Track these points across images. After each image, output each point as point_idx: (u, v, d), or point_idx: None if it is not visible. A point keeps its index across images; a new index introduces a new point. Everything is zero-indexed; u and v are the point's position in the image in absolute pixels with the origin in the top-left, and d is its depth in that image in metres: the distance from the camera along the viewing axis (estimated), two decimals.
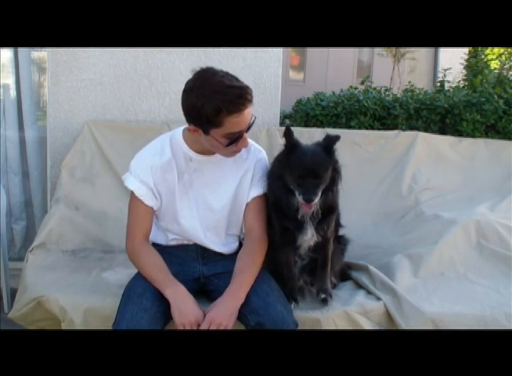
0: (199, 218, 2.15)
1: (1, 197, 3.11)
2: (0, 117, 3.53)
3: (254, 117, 1.99)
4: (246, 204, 2.17)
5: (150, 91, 3.43)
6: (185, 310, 1.90)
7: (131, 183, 2.08)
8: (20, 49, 3.49)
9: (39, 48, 3.56)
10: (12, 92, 3.55)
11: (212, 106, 1.89)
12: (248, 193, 2.16)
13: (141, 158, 2.12)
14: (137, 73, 3.41)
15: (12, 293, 2.75)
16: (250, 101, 1.93)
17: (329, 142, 2.12)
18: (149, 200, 2.09)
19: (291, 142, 2.12)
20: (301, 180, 2.06)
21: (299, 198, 2.06)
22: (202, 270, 2.21)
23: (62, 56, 3.33)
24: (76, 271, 2.57)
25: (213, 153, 2.10)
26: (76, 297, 2.23)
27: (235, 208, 2.18)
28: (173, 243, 2.21)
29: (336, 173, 2.15)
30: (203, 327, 1.88)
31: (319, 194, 2.06)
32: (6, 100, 3.54)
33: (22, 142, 3.61)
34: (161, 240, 2.23)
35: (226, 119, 1.90)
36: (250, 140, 2.11)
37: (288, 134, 2.11)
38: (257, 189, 2.17)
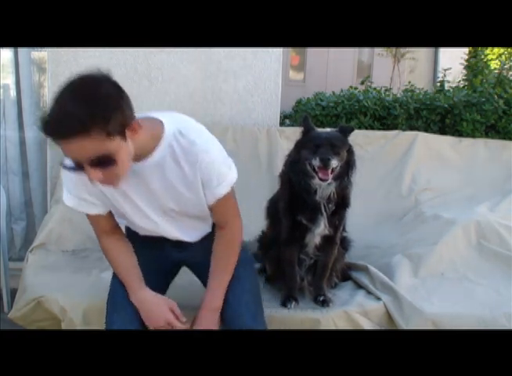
0: (153, 220, 1.92)
1: (1, 197, 3.11)
2: (0, 117, 3.53)
3: (108, 153, 1.55)
4: (210, 207, 1.92)
5: (150, 91, 3.43)
6: (153, 316, 1.89)
7: (67, 199, 1.87)
8: (20, 49, 3.48)
9: (39, 48, 3.56)
10: (12, 92, 3.55)
11: None
12: (206, 198, 1.87)
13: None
14: (137, 73, 3.41)
15: (12, 293, 2.74)
16: (66, 136, 1.47)
17: (344, 130, 2.29)
18: (92, 210, 1.90)
19: (308, 127, 2.27)
20: (317, 148, 2.17)
21: (315, 163, 2.16)
22: (179, 257, 2.10)
23: (62, 56, 3.33)
24: (76, 271, 2.57)
25: (140, 160, 1.77)
26: (76, 297, 2.23)
27: (191, 208, 1.90)
28: (143, 233, 2.04)
29: (351, 158, 2.26)
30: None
31: (336, 162, 2.17)
32: (6, 100, 3.54)
33: (22, 142, 3.60)
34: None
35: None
36: (195, 140, 1.78)
37: (305, 120, 2.28)
38: (214, 192, 1.86)
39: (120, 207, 1.88)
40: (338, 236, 2.38)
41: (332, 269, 2.46)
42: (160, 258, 2.06)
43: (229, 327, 1.93)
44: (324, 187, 2.22)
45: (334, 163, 2.16)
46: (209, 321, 1.91)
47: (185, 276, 2.60)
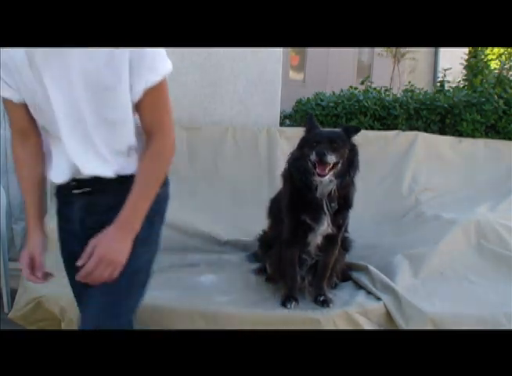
0: (61, 117, 1.60)
1: (1, 197, 3.11)
2: (0, 117, 3.52)
3: None
4: (136, 104, 1.60)
5: None
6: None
7: None
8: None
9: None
10: None
11: None
12: (132, 88, 1.58)
13: None
14: None
15: (12, 293, 2.74)
16: None
17: (348, 129, 2.30)
18: (5, 92, 1.63)
19: (311, 126, 2.31)
20: (316, 144, 2.20)
21: (312, 158, 2.18)
22: (85, 222, 1.69)
23: None
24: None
25: None
26: None
27: (110, 111, 1.59)
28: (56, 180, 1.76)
29: (353, 157, 2.26)
30: (90, 265, 1.48)
31: (333, 157, 2.18)
32: None
33: None
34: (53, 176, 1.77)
35: None
36: None
37: (310, 119, 2.34)
38: (144, 78, 1.60)
39: (31, 97, 1.59)
40: (340, 237, 2.38)
41: (332, 269, 2.47)
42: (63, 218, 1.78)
43: (83, 324, 1.71)
44: (324, 184, 2.23)
45: (331, 158, 2.17)
46: (120, 237, 1.52)
47: (189, 277, 2.61)
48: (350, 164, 2.25)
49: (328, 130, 2.40)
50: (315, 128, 2.30)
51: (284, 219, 2.33)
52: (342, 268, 2.59)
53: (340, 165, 2.22)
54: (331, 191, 2.25)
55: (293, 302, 2.29)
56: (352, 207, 2.37)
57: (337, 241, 2.37)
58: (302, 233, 2.30)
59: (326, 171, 2.18)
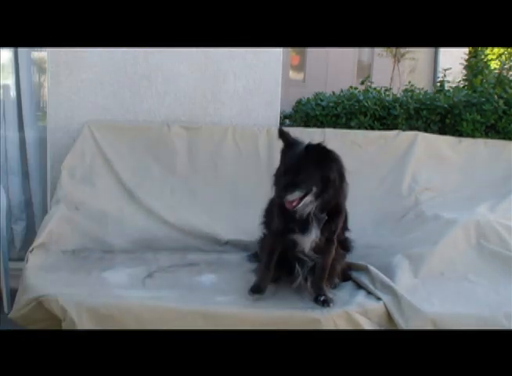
0: None
1: (1, 197, 3.11)
2: (0, 117, 3.53)
3: None
4: None
5: (150, 91, 3.43)
6: None
7: None
8: (20, 49, 3.49)
9: (39, 49, 3.56)
10: (12, 92, 3.55)
11: None
12: None
13: None
14: (137, 73, 3.41)
15: (12, 293, 2.74)
16: None
17: (311, 151, 2.15)
18: None
19: (286, 142, 2.26)
20: (277, 179, 2.19)
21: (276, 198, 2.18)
22: None
23: (62, 56, 3.33)
24: (76, 271, 2.57)
25: None
26: (76, 297, 2.23)
27: None
28: None
29: (334, 175, 2.19)
30: None
31: (297, 193, 2.13)
32: (6, 100, 3.54)
33: (22, 142, 3.60)
34: None
35: None
36: None
37: (281, 135, 2.27)
38: None
39: None
40: (335, 238, 2.37)
41: (332, 269, 2.47)
42: None
43: None
44: (302, 208, 2.21)
45: (294, 196, 2.13)
46: None
47: (189, 277, 2.61)
48: (328, 184, 2.18)
49: (294, 155, 2.20)
50: (289, 144, 2.24)
51: (275, 217, 2.33)
52: (342, 268, 2.58)
53: (313, 191, 2.17)
54: (311, 211, 2.21)
55: (257, 295, 2.29)
56: (343, 212, 2.35)
57: (333, 242, 2.36)
58: (291, 236, 2.29)
59: (294, 204, 2.15)
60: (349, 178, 3.12)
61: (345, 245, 2.57)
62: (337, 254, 2.44)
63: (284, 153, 2.26)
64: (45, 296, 2.22)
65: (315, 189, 2.16)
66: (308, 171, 2.14)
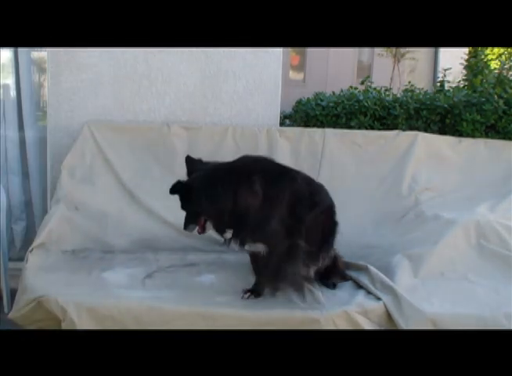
0: None
1: (1, 197, 3.11)
2: (0, 117, 3.52)
3: None
4: None
5: (150, 91, 3.43)
6: None
7: None
8: (20, 49, 3.49)
9: (39, 48, 3.56)
10: (12, 92, 3.55)
11: None
12: None
13: None
14: (137, 73, 3.41)
15: (12, 293, 2.74)
16: None
17: (177, 191, 2.32)
18: None
19: (188, 171, 2.42)
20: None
21: None
22: None
23: (62, 56, 3.33)
24: (76, 271, 2.57)
25: None
26: (76, 297, 2.23)
27: None
28: None
29: (201, 208, 2.29)
30: None
31: (191, 227, 2.34)
32: (6, 100, 3.54)
33: (22, 142, 3.60)
34: None
35: None
36: None
37: (188, 162, 2.44)
38: None
39: None
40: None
41: (333, 270, 2.54)
42: None
43: None
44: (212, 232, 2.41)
45: (190, 229, 2.36)
46: None
47: (189, 277, 2.61)
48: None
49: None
50: (191, 171, 2.41)
51: None
52: (342, 268, 2.60)
53: (203, 218, 2.33)
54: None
55: (249, 294, 2.38)
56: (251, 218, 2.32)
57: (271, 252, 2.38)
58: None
59: (200, 232, 2.37)
60: (349, 177, 3.13)
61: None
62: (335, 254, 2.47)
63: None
64: (44, 296, 2.22)
65: (203, 218, 2.33)
66: (187, 208, 2.34)
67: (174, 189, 2.30)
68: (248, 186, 2.26)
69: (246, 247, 2.38)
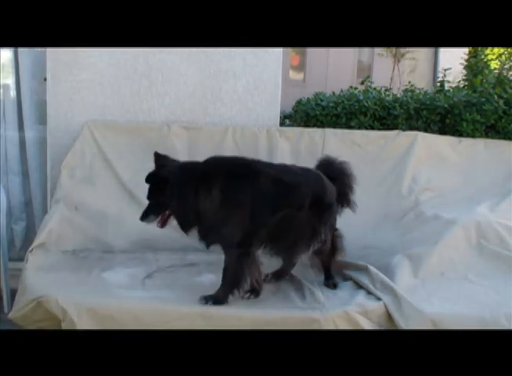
0: None
1: (1, 197, 3.11)
2: (0, 117, 3.52)
3: None
4: None
5: (150, 91, 3.43)
6: None
7: None
8: (20, 49, 3.48)
9: (39, 48, 3.56)
10: (12, 92, 3.55)
11: None
12: None
13: None
14: (137, 73, 3.40)
15: (12, 293, 2.74)
16: None
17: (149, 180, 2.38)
18: None
19: (156, 166, 2.44)
20: None
21: None
22: None
23: (62, 56, 3.33)
24: (76, 271, 2.57)
25: None
26: (76, 297, 2.23)
27: None
28: None
29: (165, 199, 2.32)
30: None
31: (152, 217, 2.37)
32: (6, 100, 3.54)
33: (22, 142, 3.60)
34: None
35: None
36: None
37: (156, 158, 2.46)
38: None
39: None
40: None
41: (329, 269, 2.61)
42: None
43: None
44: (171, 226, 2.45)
45: (149, 220, 2.38)
46: None
47: (189, 277, 2.61)
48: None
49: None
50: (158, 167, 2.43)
51: None
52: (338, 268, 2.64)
53: (167, 212, 2.36)
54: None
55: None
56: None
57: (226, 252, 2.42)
58: None
59: (159, 225, 2.40)
60: None
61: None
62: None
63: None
64: (44, 296, 2.22)
65: (167, 212, 2.36)
66: (153, 199, 2.37)
67: (149, 179, 2.38)
68: (207, 190, 2.31)
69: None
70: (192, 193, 2.30)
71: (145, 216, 2.38)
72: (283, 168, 2.53)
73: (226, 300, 2.32)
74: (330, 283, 2.57)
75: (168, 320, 2.18)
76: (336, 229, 2.63)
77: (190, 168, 2.41)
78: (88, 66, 3.36)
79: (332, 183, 2.58)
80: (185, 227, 2.37)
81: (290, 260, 2.63)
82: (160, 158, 2.48)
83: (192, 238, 2.94)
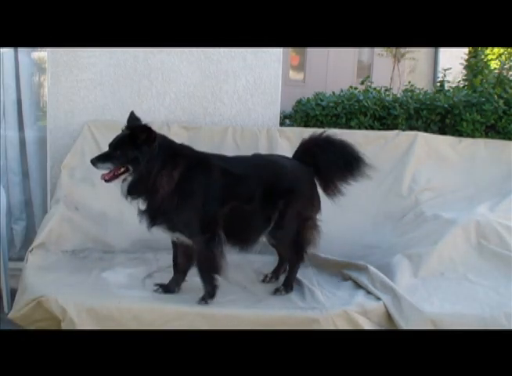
0: None
1: (1, 197, 3.11)
2: (0, 117, 3.52)
3: None
4: None
5: (150, 91, 3.43)
6: None
7: None
8: (20, 49, 3.49)
9: (39, 48, 3.56)
10: (12, 92, 3.55)
11: None
12: None
13: None
14: (137, 73, 3.40)
15: (12, 293, 2.74)
16: None
17: (133, 130, 2.30)
18: None
19: (128, 124, 2.39)
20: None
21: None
22: None
23: (62, 56, 3.33)
24: (76, 271, 2.57)
25: None
26: (76, 297, 2.23)
27: None
28: None
29: (139, 154, 2.25)
30: None
31: (108, 164, 2.30)
32: (6, 100, 3.53)
33: (22, 142, 3.60)
34: None
35: None
36: None
37: (130, 118, 2.41)
38: None
39: None
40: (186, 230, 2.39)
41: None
42: None
43: None
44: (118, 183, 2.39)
45: (104, 166, 2.32)
46: None
47: (189, 277, 2.61)
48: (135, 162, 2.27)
49: (121, 135, 2.37)
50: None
51: None
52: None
53: (130, 170, 2.29)
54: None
55: None
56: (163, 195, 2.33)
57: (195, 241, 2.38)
58: None
59: (107, 178, 2.33)
60: None
61: None
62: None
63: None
64: (44, 296, 2.22)
65: (131, 168, 2.29)
66: (124, 149, 2.28)
67: (131, 120, 2.38)
68: (171, 168, 2.29)
69: (170, 235, 2.39)
70: (159, 163, 2.28)
71: (98, 160, 2.32)
72: (237, 161, 2.55)
73: (216, 289, 2.33)
74: (282, 288, 2.50)
75: (168, 320, 2.18)
76: (308, 219, 2.53)
77: (168, 142, 2.39)
78: (88, 66, 3.36)
79: (308, 169, 2.56)
80: (133, 191, 2.31)
81: (245, 248, 2.55)
82: (134, 119, 2.44)
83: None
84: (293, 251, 2.53)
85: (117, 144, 2.31)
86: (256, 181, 2.43)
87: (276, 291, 2.48)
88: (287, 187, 2.46)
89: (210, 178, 2.36)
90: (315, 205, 2.57)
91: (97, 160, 2.32)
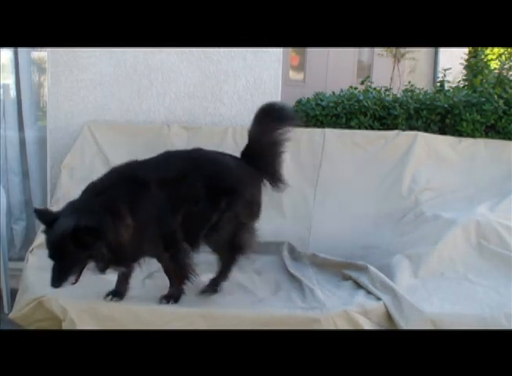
0: None
1: (1, 197, 3.11)
2: (0, 117, 3.53)
3: None
4: None
5: (150, 91, 3.43)
6: None
7: None
8: (20, 49, 3.49)
9: (39, 48, 3.56)
10: (12, 92, 3.55)
11: None
12: None
13: None
14: (137, 73, 3.41)
15: (13, 293, 2.75)
16: None
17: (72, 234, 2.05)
18: None
19: (45, 223, 2.16)
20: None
21: None
22: None
23: (62, 56, 3.33)
24: None
25: None
26: (76, 297, 2.23)
27: None
28: None
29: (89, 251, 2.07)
30: None
31: (70, 279, 2.07)
32: (6, 100, 3.54)
33: (22, 142, 3.61)
34: None
35: None
36: None
37: (40, 216, 2.18)
38: None
39: None
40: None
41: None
42: None
43: None
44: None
45: (67, 283, 2.08)
46: None
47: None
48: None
49: (57, 240, 2.12)
50: (50, 226, 2.14)
51: None
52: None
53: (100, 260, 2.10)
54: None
55: None
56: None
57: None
58: None
59: (74, 282, 2.10)
60: (349, 177, 3.11)
61: None
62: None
63: (47, 233, 2.17)
64: (45, 296, 2.22)
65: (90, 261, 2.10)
66: (71, 255, 2.07)
67: (73, 236, 2.04)
68: (121, 220, 2.13)
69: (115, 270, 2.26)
70: (112, 228, 2.09)
71: (62, 281, 2.06)
72: (172, 162, 2.47)
73: (182, 294, 2.31)
74: (209, 289, 2.45)
75: (168, 320, 2.18)
76: (244, 223, 2.46)
77: (99, 203, 2.18)
78: (88, 66, 3.37)
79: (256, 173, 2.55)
80: (105, 267, 2.15)
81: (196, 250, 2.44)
82: (45, 215, 2.20)
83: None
84: (228, 254, 2.49)
85: (61, 257, 2.09)
86: (197, 178, 2.38)
87: (203, 292, 2.42)
88: (229, 186, 2.43)
89: (152, 198, 2.25)
90: (255, 212, 2.50)
91: (58, 283, 2.06)
